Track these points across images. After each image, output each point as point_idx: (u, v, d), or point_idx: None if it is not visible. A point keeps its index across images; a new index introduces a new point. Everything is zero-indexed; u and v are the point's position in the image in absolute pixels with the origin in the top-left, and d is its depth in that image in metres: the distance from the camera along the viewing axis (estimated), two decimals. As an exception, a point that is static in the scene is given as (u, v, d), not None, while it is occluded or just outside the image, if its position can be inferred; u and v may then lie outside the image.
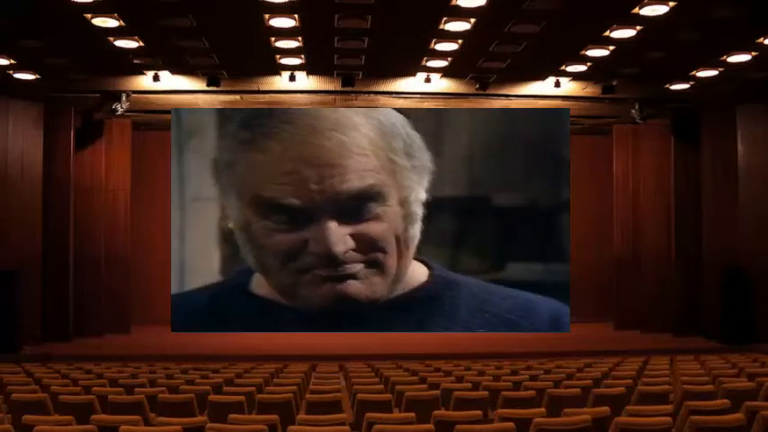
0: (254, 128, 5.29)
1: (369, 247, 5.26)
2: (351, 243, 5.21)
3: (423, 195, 5.51)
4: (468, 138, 9.70)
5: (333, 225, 5.17)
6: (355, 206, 5.20)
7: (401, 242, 5.37)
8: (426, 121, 10.23)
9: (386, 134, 5.33)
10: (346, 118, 5.28)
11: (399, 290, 5.55)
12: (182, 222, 9.85)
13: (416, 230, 5.49)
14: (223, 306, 5.70)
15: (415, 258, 5.74)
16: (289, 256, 5.27)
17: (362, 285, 5.29)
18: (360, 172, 5.18)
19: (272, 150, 5.20)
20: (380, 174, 5.25)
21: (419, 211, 5.49)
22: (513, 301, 5.58)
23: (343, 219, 5.20)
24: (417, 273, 5.69)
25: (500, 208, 9.08)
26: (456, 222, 9.47)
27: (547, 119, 8.31)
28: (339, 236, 5.18)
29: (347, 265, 5.24)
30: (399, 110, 5.64)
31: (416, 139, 5.50)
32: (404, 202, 5.37)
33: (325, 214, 5.17)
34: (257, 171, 5.24)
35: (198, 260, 9.71)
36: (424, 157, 5.52)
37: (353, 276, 5.26)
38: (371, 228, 5.26)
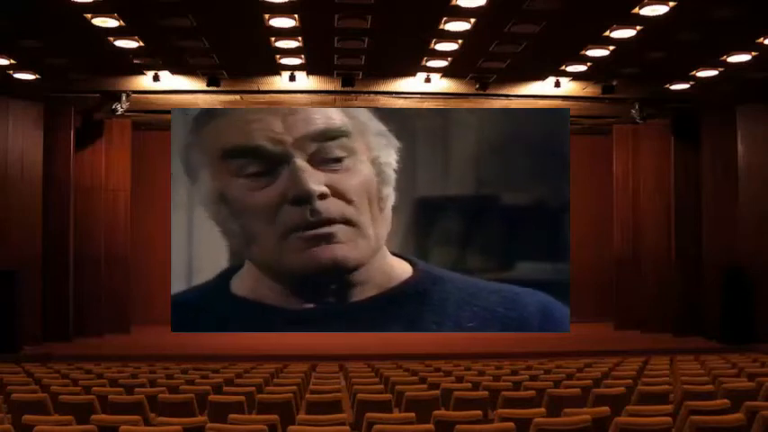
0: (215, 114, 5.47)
1: (342, 197, 5.29)
2: (325, 189, 5.23)
3: (393, 163, 5.57)
4: (471, 138, 9.70)
5: (304, 165, 5.23)
6: (325, 149, 5.27)
7: (374, 201, 5.40)
8: (431, 120, 10.22)
9: (348, 112, 5.52)
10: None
11: (385, 281, 5.56)
12: (188, 221, 9.84)
13: (389, 193, 5.53)
14: (207, 307, 5.74)
15: (399, 255, 5.80)
16: (270, 213, 5.26)
17: (347, 247, 5.28)
18: (325, 118, 5.32)
19: (234, 113, 5.34)
20: (346, 123, 5.37)
21: (391, 173, 5.54)
22: (499, 295, 5.63)
23: (315, 163, 5.26)
24: (402, 269, 5.71)
25: (502, 207, 9.07)
26: (461, 222, 9.46)
27: (547, 119, 8.31)
28: (313, 176, 5.23)
29: (326, 227, 5.23)
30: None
31: (377, 120, 5.63)
32: (374, 162, 5.44)
33: (296, 156, 5.23)
34: (222, 130, 5.34)
35: (203, 260, 9.71)
36: (388, 132, 5.60)
37: (335, 237, 5.25)
38: (344, 178, 5.31)
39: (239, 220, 5.39)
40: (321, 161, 5.28)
